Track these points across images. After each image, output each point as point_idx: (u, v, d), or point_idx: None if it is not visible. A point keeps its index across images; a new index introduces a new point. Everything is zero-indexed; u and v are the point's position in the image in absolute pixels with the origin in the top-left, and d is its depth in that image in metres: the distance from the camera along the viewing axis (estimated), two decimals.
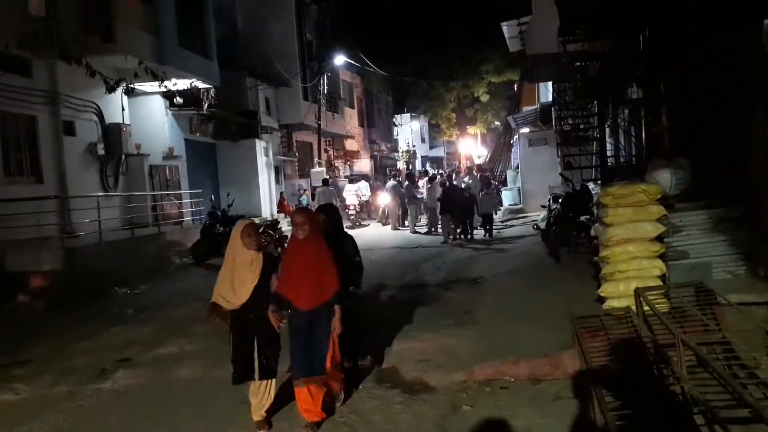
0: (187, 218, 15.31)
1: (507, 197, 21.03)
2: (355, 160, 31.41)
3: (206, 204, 15.14)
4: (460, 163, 42.96)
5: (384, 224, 18.97)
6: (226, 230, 11.90)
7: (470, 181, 18.16)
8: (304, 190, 21.91)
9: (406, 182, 17.70)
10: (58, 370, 6.19)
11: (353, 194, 20.15)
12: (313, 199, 21.44)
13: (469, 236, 14.14)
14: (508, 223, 17.43)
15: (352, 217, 20.09)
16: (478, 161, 36.70)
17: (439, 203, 15.04)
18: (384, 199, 19.22)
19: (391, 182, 18.57)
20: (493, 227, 14.87)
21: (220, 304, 4.39)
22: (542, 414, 4.41)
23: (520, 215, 18.72)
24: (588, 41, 10.30)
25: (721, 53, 5.95)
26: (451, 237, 14.37)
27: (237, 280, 4.33)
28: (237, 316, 4.39)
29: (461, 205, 14.46)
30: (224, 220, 12.85)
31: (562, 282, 7.80)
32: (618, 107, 11.42)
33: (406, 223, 17.39)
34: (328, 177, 20.73)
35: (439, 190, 15.50)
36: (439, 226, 15.48)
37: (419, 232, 16.69)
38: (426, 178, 18.85)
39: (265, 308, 4.35)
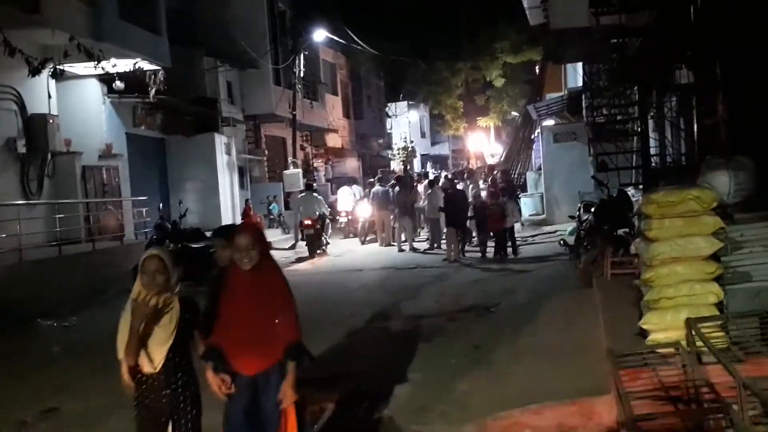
0: (129, 232, 15.32)
1: (527, 206, 21.09)
2: (338, 160, 31.27)
3: (153, 214, 15.17)
4: (468, 163, 42.79)
5: (364, 242, 18.81)
6: (178, 247, 11.92)
7: (470, 185, 18.36)
8: (274, 197, 21.95)
9: (397, 188, 17.59)
10: None
11: (348, 197, 20.29)
12: (287, 207, 21.62)
13: (501, 253, 14.36)
14: (529, 237, 17.49)
15: (342, 226, 20.10)
16: (490, 161, 36.60)
17: (443, 214, 15.16)
18: (365, 211, 19.13)
19: (378, 187, 18.35)
20: (508, 243, 14.96)
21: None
22: None
23: (544, 228, 18.78)
24: (626, 12, 10.43)
25: None
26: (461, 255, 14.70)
27: (148, 341, 3.70)
28: (142, 394, 3.74)
29: (477, 215, 14.81)
30: (175, 234, 12.95)
31: (594, 311, 7.89)
32: (664, 94, 11.51)
33: (403, 237, 17.42)
34: (311, 180, 20.92)
35: (441, 197, 15.63)
36: (443, 241, 15.61)
37: (418, 250, 16.80)
38: (426, 182, 18.73)
39: (183, 384, 3.74)
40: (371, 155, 37.32)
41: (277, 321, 3.81)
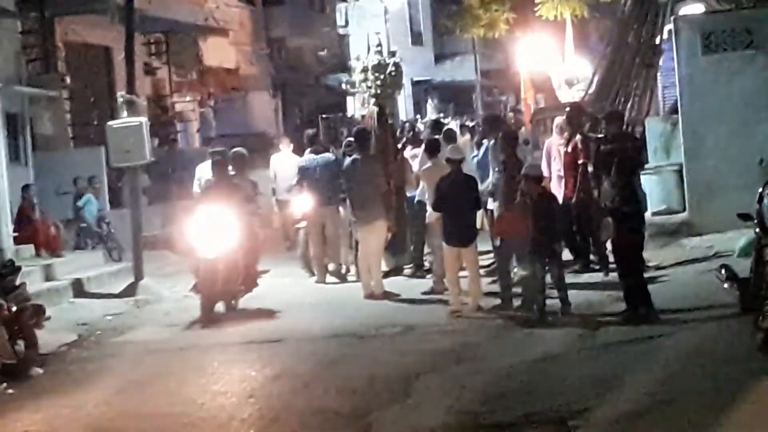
0: None
1: (651, 192, 20.87)
2: (230, 97, 32.94)
3: None
4: (519, 103, 43.85)
5: (313, 272, 19.12)
6: None
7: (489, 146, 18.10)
8: (90, 180, 22.38)
9: (354, 155, 17.75)
10: None
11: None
12: (114, 202, 23.37)
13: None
14: (650, 266, 16.94)
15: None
16: (565, 94, 36.81)
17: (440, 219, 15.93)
18: (300, 203, 19.27)
19: (310, 157, 19.03)
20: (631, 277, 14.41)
21: None
22: None
23: (683, 241, 18.93)
24: None
25: None
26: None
27: None
28: None
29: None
30: None
31: None
32: None
33: (380, 264, 17.65)
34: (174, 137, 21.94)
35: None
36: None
37: (395, 295, 16.93)
38: (422, 146, 18.52)
39: None
40: (303, 86, 37.77)
41: None
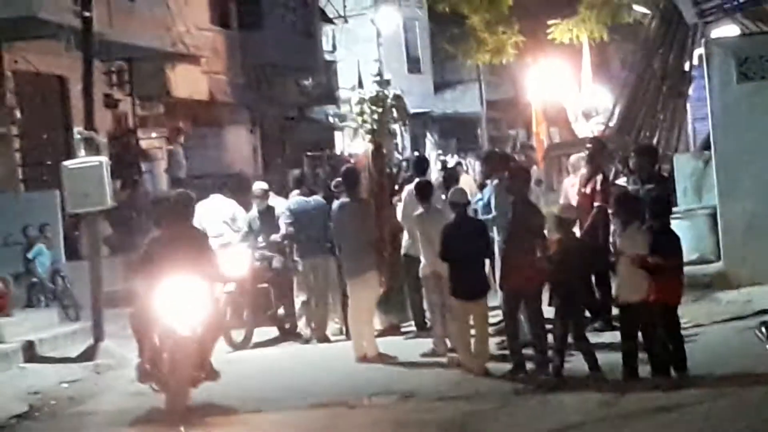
0: None
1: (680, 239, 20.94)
2: (202, 132, 32.64)
3: None
4: (530, 138, 44.46)
5: (236, 341, 18.72)
6: None
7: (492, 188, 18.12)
8: (42, 228, 22.24)
9: (342, 199, 17.82)
10: None
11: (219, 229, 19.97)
12: (71, 253, 23.22)
13: (592, 366, 14.44)
14: (682, 316, 16.95)
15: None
16: (583, 126, 37.45)
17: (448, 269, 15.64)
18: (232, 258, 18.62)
19: (298, 199, 19.19)
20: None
21: None
22: None
23: (718, 295, 18.62)
24: None
25: None
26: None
27: None
28: None
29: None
30: None
31: None
32: None
33: (373, 321, 17.50)
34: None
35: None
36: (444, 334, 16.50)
37: (391, 358, 16.70)
38: (413, 184, 18.42)
39: None
40: (285, 120, 38.02)
41: None
